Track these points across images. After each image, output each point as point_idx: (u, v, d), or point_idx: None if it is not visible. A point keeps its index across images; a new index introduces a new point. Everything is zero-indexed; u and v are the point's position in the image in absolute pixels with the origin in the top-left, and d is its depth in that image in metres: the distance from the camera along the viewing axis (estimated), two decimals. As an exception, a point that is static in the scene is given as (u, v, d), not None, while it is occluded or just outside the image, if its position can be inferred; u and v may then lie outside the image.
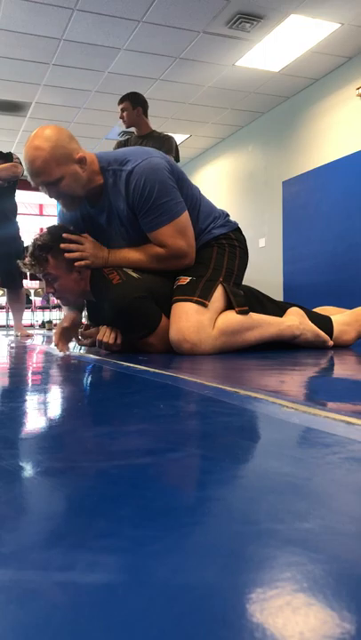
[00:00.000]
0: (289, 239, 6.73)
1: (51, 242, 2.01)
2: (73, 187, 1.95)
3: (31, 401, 1.16)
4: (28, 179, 1.99)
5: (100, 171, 1.99)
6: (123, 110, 4.11)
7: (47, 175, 1.89)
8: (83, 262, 1.98)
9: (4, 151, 4.67)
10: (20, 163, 4.54)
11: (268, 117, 7.25)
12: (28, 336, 4.57)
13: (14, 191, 4.56)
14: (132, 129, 4.25)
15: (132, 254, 2.02)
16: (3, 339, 4.61)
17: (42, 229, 8.97)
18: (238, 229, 2.26)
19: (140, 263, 2.02)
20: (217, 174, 8.62)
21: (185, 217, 2.00)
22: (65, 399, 1.21)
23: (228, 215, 2.28)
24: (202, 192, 2.24)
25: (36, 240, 2.03)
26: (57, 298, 2.19)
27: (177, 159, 4.20)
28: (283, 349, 2.07)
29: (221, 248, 2.14)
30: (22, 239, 4.76)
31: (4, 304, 7.99)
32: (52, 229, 2.07)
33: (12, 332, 5.43)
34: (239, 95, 6.66)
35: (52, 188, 1.94)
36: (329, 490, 0.49)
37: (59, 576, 0.32)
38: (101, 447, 0.71)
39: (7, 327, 7.39)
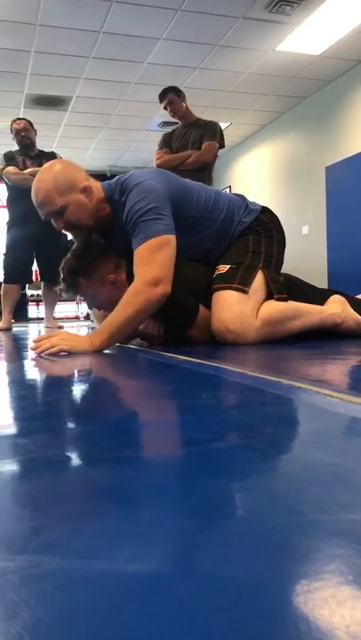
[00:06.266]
0: (333, 226, 6.59)
1: (77, 265, 2.05)
2: (79, 215, 1.93)
3: (73, 392, 1.18)
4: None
5: (105, 199, 1.97)
6: (170, 103, 4.11)
7: (51, 205, 1.89)
8: (56, 349, 1.76)
9: (47, 150, 4.73)
10: None
11: (310, 102, 7.11)
12: (59, 328, 4.67)
13: None
14: (176, 120, 4.26)
15: (112, 314, 1.82)
16: (35, 330, 4.70)
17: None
18: (266, 209, 2.22)
19: (122, 314, 1.79)
20: (258, 162, 8.51)
21: (164, 240, 1.84)
22: (107, 390, 1.22)
23: (246, 199, 2.24)
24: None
25: (63, 268, 2.08)
26: (104, 310, 2.21)
27: (222, 145, 4.17)
28: (325, 338, 2.04)
29: (257, 234, 2.12)
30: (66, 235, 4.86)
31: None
32: (75, 252, 2.09)
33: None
34: (280, 80, 6.54)
35: (59, 218, 1.92)
36: (375, 481, 0.48)
37: (103, 565, 0.33)
38: (144, 437, 0.71)
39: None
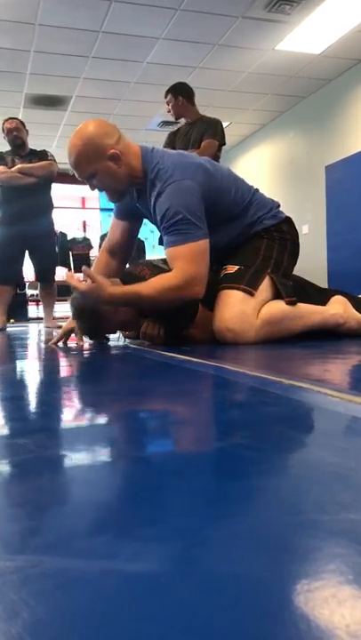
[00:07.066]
0: (333, 226, 6.59)
1: (88, 324, 2.11)
2: (107, 182, 1.98)
3: (74, 391, 1.18)
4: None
5: (142, 168, 1.99)
6: (168, 104, 4.15)
7: (81, 171, 1.96)
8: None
9: (39, 149, 4.71)
10: (55, 160, 4.58)
11: (310, 101, 7.10)
12: (59, 327, 4.66)
13: (49, 187, 4.64)
14: (182, 119, 4.27)
15: (141, 287, 1.88)
16: (35, 330, 4.71)
17: (84, 222, 8.98)
18: (289, 221, 2.22)
19: (151, 293, 1.85)
20: (258, 161, 8.51)
21: (202, 245, 1.90)
22: (107, 389, 1.22)
23: (279, 206, 2.24)
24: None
25: (85, 335, 2.19)
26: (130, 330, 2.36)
27: (222, 142, 4.17)
28: (326, 338, 2.04)
29: (271, 240, 2.11)
30: (56, 234, 4.87)
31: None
32: (76, 317, 2.12)
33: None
34: (280, 80, 6.53)
35: (89, 182, 2.00)
36: (376, 480, 0.48)
37: (103, 564, 0.33)
38: (143, 437, 0.71)
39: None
